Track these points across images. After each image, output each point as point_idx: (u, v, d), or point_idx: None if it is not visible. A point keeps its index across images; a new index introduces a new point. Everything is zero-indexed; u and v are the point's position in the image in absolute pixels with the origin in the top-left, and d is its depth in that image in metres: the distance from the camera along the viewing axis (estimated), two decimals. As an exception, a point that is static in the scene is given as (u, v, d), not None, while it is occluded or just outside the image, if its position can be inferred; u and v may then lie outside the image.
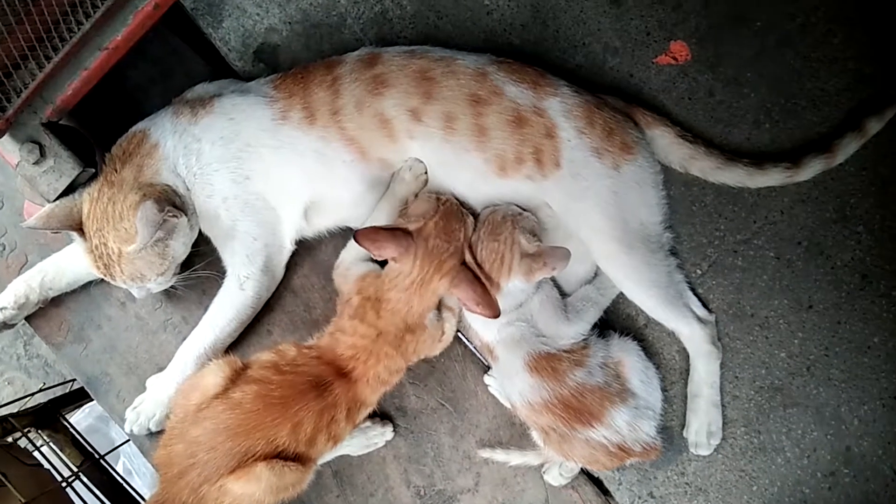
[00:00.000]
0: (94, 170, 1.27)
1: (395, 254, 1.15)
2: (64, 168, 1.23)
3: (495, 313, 1.13)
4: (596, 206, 1.23)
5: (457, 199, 1.27)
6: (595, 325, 1.32)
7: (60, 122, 1.27)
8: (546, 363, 1.21)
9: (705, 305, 1.35)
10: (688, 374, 1.34)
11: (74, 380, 1.52)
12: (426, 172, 1.28)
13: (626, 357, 1.27)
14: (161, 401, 1.34)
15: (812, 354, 1.34)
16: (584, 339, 1.28)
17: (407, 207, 1.26)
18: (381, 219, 1.29)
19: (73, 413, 1.83)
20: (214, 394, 1.09)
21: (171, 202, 1.23)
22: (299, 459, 1.09)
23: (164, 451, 1.10)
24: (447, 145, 1.24)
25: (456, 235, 1.18)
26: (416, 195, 1.28)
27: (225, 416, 1.06)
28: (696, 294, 1.35)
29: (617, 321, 1.40)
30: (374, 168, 1.28)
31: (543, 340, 1.24)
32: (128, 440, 1.48)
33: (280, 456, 1.06)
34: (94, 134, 1.35)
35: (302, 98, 1.26)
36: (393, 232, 1.16)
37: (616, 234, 1.23)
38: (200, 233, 1.33)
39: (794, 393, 1.33)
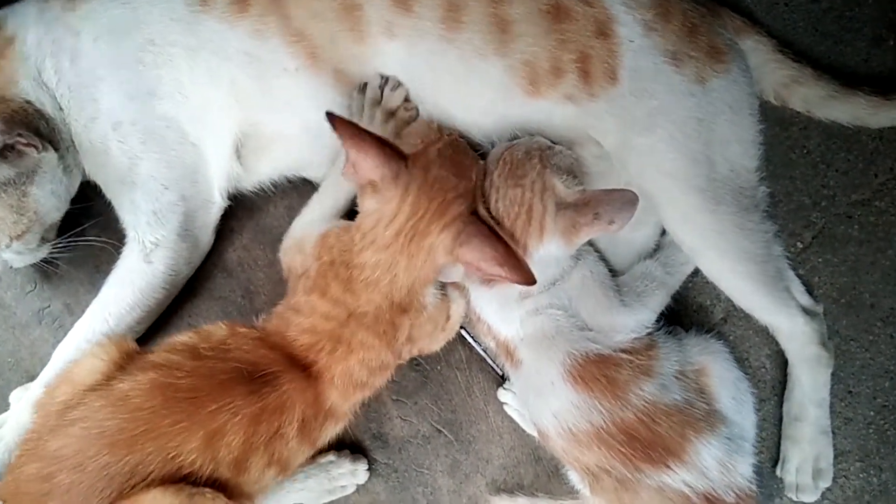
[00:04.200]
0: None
1: (376, 174, 0.88)
2: None
3: (528, 278, 0.87)
4: (669, 139, 1.01)
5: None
6: (659, 318, 1.08)
7: None
8: (598, 370, 0.96)
9: (809, 291, 1.15)
10: (784, 388, 1.14)
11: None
12: (410, 101, 1.06)
13: (712, 363, 1.03)
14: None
15: (955, 361, 1.14)
16: (648, 335, 1.03)
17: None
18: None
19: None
20: (91, 385, 0.89)
21: (32, 126, 0.98)
22: (223, 492, 0.88)
23: (11, 478, 0.88)
24: (449, 48, 1.01)
25: (466, 172, 0.92)
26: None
27: (101, 417, 0.84)
28: (797, 275, 1.15)
29: (686, 314, 1.17)
30: (328, 83, 1.05)
31: (590, 336, 0.99)
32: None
33: (187, 481, 0.85)
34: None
35: None
36: (381, 143, 0.88)
37: (698, 181, 1.01)
38: (88, 181, 1.12)
39: (930, 415, 1.14)
